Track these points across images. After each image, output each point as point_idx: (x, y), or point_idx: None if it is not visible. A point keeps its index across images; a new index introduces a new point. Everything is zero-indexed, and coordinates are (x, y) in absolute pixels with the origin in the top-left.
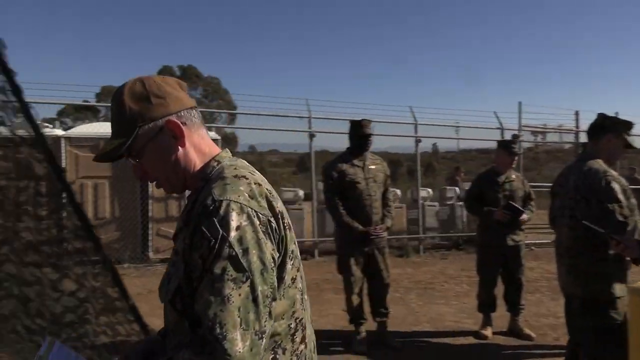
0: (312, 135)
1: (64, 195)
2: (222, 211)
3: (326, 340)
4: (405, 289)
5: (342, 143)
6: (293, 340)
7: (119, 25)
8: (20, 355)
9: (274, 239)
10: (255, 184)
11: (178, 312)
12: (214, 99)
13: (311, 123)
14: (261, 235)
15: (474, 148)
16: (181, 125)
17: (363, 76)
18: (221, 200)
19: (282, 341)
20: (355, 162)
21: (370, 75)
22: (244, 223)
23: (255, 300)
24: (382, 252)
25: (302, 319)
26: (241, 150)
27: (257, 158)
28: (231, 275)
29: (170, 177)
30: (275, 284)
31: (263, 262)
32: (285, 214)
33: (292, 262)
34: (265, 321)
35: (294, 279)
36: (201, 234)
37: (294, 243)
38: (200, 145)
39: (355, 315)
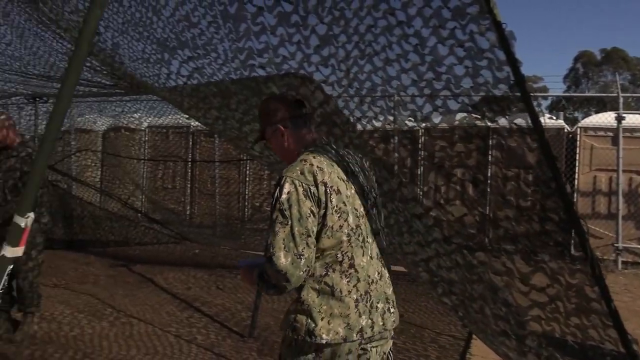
0: None
1: (552, 185)
2: (282, 182)
3: None
4: None
5: None
6: (341, 265)
7: (533, 13)
8: (484, 336)
9: (313, 199)
10: (309, 164)
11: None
12: None
13: None
14: (302, 197)
15: None
16: (284, 129)
17: None
18: (283, 176)
19: (332, 264)
20: None
21: None
22: (292, 190)
23: (293, 235)
24: None
25: (347, 252)
26: None
27: None
28: (280, 220)
29: (281, 156)
30: (310, 226)
31: (300, 214)
32: (334, 183)
33: (338, 214)
34: (303, 248)
35: (340, 226)
36: (273, 195)
37: (343, 202)
38: (297, 139)
39: None
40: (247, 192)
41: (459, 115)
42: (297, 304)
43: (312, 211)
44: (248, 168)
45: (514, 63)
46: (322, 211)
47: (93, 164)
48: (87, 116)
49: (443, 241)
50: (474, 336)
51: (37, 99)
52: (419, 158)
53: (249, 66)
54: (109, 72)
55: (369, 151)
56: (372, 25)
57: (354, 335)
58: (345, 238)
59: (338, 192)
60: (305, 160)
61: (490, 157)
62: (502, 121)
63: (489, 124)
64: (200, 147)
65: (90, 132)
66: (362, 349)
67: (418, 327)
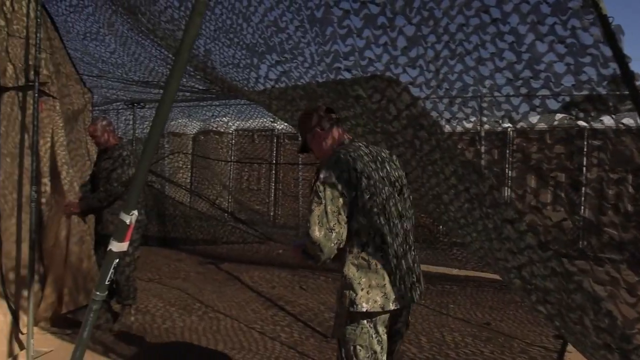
0: None
1: None
2: (320, 172)
3: None
4: None
5: None
6: (374, 241)
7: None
8: (583, 348)
9: (345, 183)
10: (342, 155)
11: None
12: None
13: None
14: (335, 181)
15: None
16: (320, 131)
17: None
18: (321, 167)
19: (367, 241)
20: None
21: None
22: (327, 175)
23: (326, 212)
24: None
25: (379, 230)
26: None
27: None
28: (316, 200)
29: (320, 154)
30: (341, 206)
31: (333, 195)
32: (364, 170)
33: (368, 196)
34: (334, 224)
35: (371, 207)
36: (313, 182)
37: (372, 186)
38: (332, 139)
39: None
40: None
41: (559, 115)
42: (342, 280)
43: (343, 193)
44: None
45: (621, 59)
46: (353, 193)
47: (184, 166)
48: (179, 120)
49: (538, 248)
50: (567, 349)
51: (135, 105)
52: (513, 160)
53: (334, 69)
54: (202, 77)
55: (458, 154)
56: (464, 24)
57: (391, 304)
58: (375, 217)
59: (368, 178)
60: (339, 152)
61: (590, 158)
62: (608, 121)
63: (592, 123)
64: (285, 150)
65: (182, 136)
66: (392, 317)
67: (507, 337)
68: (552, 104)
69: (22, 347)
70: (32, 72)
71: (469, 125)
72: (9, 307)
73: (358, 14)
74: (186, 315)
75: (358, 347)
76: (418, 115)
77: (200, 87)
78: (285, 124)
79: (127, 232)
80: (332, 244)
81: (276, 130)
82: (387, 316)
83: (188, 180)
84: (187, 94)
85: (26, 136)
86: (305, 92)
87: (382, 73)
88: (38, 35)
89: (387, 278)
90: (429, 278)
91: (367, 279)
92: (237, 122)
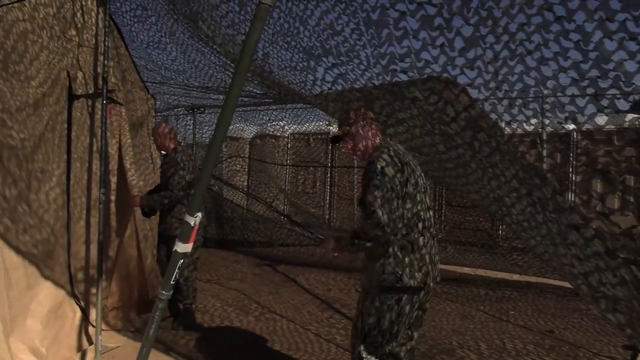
0: None
1: None
2: (375, 161)
3: None
4: None
5: None
6: (417, 224)
7: None
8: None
9: (399, 172)
10: (392, 150)
11: (362, 207)
12: None
13: None
14: (392, 170)
15: None
16: (370, 125)
17: None
18: (377, 157)
19: (411, 226)
20: None
21: None
22: (384, 164)
23: (386, 197)
24: None
25: (421, 215)
26: None
27: None
28: (376, 185)
29: (360, 150)
30: (397, 192)
31: (390, 181)
32: (409, 164)
33: (413, 187)
34: (392, 207)
35: (415, 195)
36: (368, 171)
37: (414, 178)
38: (373, 137)
39: None
40: None
41: (630, 116)
42: (384, 259)
43: (399, 181)
44: None
45: None
46: (404, 182)
47: (241, 169)
48: (236, 124)
49: (606, 255)
50: None
51: (195, 110)
52: (577, 164)
53: (390, 71)
54: (260, 82)
55: (519, 157)
56: (525, 23)
57: (430, 282)
58: (418, 204)
59: (412, 171)
60: (388, 148)
61: None
62: None
63: None
64: (340, 153)
65: (239, 140)
66: (426, 292)
67: (571, 345)
68: (622, 104)
69: (90, 342)
70: (100, 80)
71: (529, 128)
72: (78, 304)
73: (414, 15)
74: (243, 316)
75: (382, 320)
76: (477, 117)
77: (258, 92)
78: None
79: (191, 234)
80: (392, 224)
81: (331, 133)
82: (415, 295)
83: (245, 184)
84: (245, 98)
85: (94, 140)
86: (362, 94)
87: (439, 74)
88: (106, 44)
89: (427, 259)
90: (488, 283)
91: (410, 258)
92: (293, 126)
